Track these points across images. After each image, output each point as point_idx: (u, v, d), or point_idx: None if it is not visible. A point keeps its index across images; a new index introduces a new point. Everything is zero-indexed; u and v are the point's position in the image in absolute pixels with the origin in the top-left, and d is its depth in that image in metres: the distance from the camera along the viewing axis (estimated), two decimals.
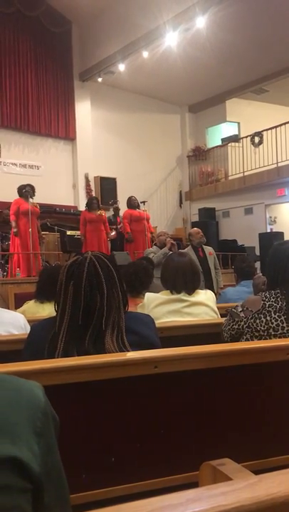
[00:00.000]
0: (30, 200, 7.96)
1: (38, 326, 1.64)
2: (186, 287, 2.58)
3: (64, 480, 0.77)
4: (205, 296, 2.66)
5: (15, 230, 7.88)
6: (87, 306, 1.46)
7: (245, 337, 2.05)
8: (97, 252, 1.58)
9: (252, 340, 2.01)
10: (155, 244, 7.42)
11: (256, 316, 2.02)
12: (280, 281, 2.05)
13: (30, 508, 0.67)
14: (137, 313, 1.77)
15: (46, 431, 0.72)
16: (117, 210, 9.94)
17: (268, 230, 12.19)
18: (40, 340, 1.51)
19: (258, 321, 2.01)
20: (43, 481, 0.68)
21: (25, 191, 7.92)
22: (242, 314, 2.07)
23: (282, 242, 2.19)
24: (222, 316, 2.65)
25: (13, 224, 7.88)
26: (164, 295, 2.61)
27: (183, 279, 2.59)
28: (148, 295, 2.66)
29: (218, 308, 2.74)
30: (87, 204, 8.96)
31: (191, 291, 2.58)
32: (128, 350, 1.48)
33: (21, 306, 3.46)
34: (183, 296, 2.56)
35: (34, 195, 8.05)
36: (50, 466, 0.71)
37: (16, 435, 0.67)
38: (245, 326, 2.04)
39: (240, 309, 2.09)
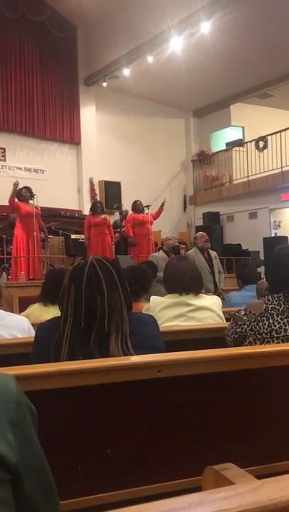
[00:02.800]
0: (31, 202, 7.98)
1: (45, 324, 1.66)
2: (185, 289, 2.58)
3: (47, 470, 0.77)
4: (211, 300, 2.66)
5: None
6: (88, 308, 1.48)
7: (248, 340, 2.05)
8: (99, 256, 1.61)
9: (255, 343, 2.02)
10: (160, 249, 7.43)
11: (259, 318, 2.03)
12: (284, 285, 2.06)
13: (11, 498, 0.67)
14: (139, 314, 1.77)
15: (21, 421, 0.72)
16: (125, 213, 9.96)
17: (273, 235, 12.17)
18: (47, 337, 1.53)
19: (260, 323, 2.02)
20: (22, 471, 0.69)
21: (24, 195, 7.92)
22: (245, 318, 2.08)
23: (284, 247, 2.20)
24: (227, 321, 2.65)
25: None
26: (168, 298, 2.61)
27: (183, 281, 2.59)
28: (153, 298, 2.66)
29: (222, 312, 2.74)
30: (91, 208, 8.99)
31: (191, 292, 2.58)
32: (132, 354, 1.49)
33: (25, 310, 3.47)
34: (188, 299, 2.56)
35: (33, 196, 8.03)
36: (29, 455, 0.72)
37: None
38: (248, 329, 2.05)
39: (243, 313, 2.11)
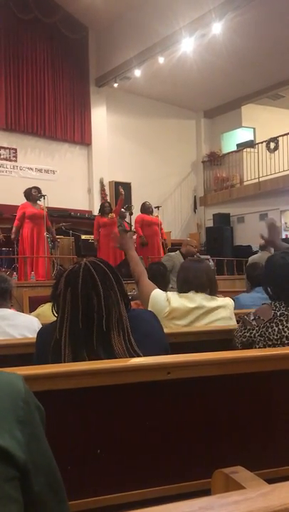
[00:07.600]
0: (38, 202, 8.01)
1: (45, 327, 1.67)
2: (201, 288, 2.57)
3: (54, 468, 0.77)
4: (223, 302, 2.66)
5: (13, 236, 7.93)
6: (85, 309, 1.49)
7: (258, 346, 2.05)
8: (92, 259, 1.62)
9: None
10: (178, 249, 7.41)
11: (268, 325, 2.03)
12: (280, 291, 2.11)
13: (20, 495, 0.68)
14: (137, 311, 1.76)
15: (29, 419, 0.73)
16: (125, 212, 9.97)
17: (283, 236, 12.09)
18: (48, 340, 1.54)
19: (270, 330, 2.02)
20: (30, 469, 0.69)
21: (34, 195, 7.95)
22: (254, 323, 2.08)
23: (273, 255, 2.25)
24: (238, 322, 2.64)
25: (14, 229, 7.93)
26: (182, 298, 2.60)
27: (197, 281, 2.59)
28: (170, 295, 2.63)
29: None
30: (99, 210, 9.09)
31: (203, 291, 2.57)
32: (138, 354, 1.49)
33: (35, 310, 3.48)
34: (202, 300, 2.56)
35: (41, 197, 8.04)
36: (37, 453, 0.72)
37: None
38: (257, 334, 2.05)
39: (252, 317, 2.10)
